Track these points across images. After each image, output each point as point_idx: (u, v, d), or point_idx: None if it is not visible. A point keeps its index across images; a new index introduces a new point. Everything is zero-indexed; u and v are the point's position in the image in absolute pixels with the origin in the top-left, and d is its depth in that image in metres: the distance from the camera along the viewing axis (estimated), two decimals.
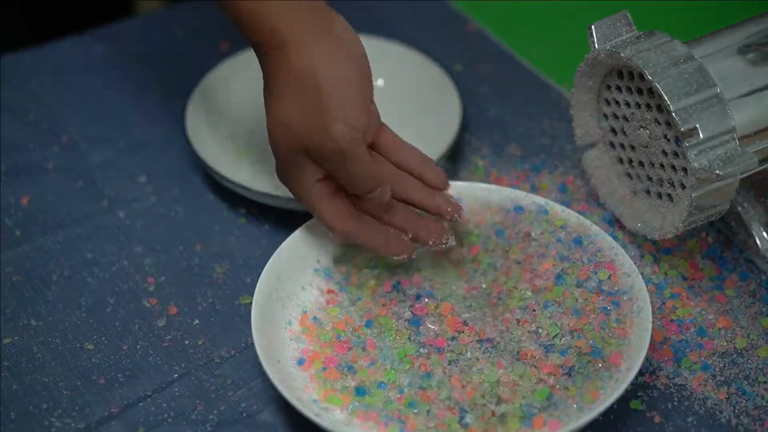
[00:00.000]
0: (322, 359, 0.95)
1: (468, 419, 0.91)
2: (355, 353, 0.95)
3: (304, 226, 1.00)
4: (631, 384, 0.93)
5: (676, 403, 0.94)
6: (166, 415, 0.94)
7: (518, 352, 0.95)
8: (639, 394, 0.95)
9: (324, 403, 0.92)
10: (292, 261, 0.99)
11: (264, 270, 0.97)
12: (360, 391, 0.93)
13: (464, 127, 1.13)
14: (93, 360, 0.98)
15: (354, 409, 0.92)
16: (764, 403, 0.93)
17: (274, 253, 0.98)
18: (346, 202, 0.96)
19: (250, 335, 0.93)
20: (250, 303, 0.96)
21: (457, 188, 1.01)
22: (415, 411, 0.92)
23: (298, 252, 0.99)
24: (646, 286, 0.95)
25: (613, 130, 1.03)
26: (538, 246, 1.00)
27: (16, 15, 1.54)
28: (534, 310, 0.97)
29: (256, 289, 0.96)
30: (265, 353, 0.92)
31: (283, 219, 1.07)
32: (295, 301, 0.98)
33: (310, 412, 0.89)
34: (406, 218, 0.98)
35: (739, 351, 0.97)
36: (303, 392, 0.92)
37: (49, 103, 1.19)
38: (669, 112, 0.93)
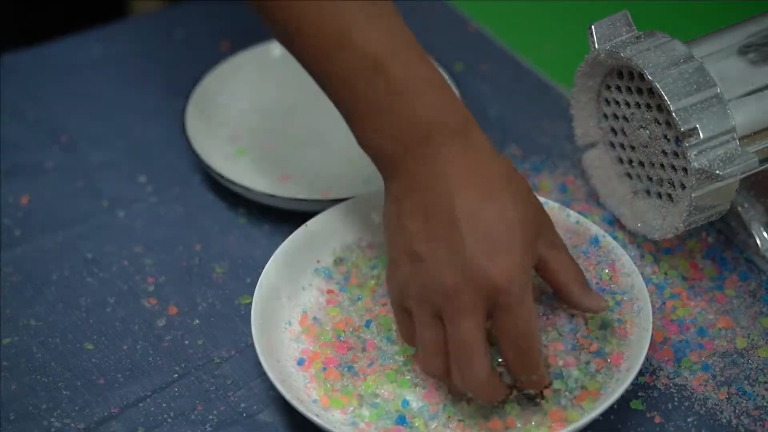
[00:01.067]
0: (322, 359, 0.95)
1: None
2: (355, 353, 0.95)
3: (303, 226, 1.00)
4: (632, 384, 0.93)
5: (676, 404, 0.94)
6: (166, 415, 0.94)
7: None
8: (639, 394, 0.95)
9: (324, 404, 0.92)
10: (292, 261, 0.99)
11: (264, 270, 0.97)
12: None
13: None
14: (93, 360, 0.98)
15: (354, 409, 0.92)
16: (765, 404, 0.93)
17: (274, 253, 0.98)
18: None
19: (250, 335, 0.93)
20: (250, 303, 0.96)
21: None
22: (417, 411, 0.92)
23: (298, 252, 0.99)
24: (647, 286, 0.95)
25: (613, 130, 1.03)
26: None
27: (11, 15, 1.54)
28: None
29: (256, 289, 0.96)
30: (265, 353, 0.92)
31: (283, 219, 1.07)
32: (295, 301, 0.98)
33: (310, 412, 0.89)
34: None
35: (740, 351, 0.97)
36: (303, 392, 0.92)
37: (49, 103, 1.19)
38: (669, 112, 0.93)
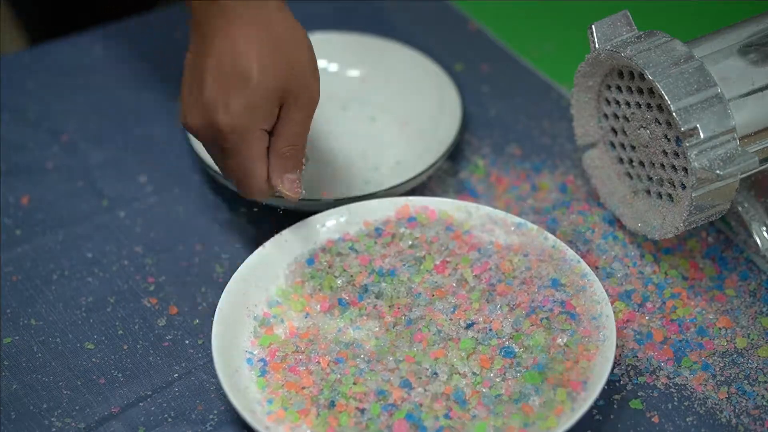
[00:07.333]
0: (284, 370, 0.94)
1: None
2: (320, 365, 0.94)
3: (272, 239, 1.00)
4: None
5: (676, 403, 0.94)
6: (166, 415, 0.94)
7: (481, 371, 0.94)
8: (639, 393, 0.95)
9: (282, 415, 0.91)
10: (261, 269, 0.98)
11: (232, 278, 0.97)
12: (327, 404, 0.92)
13: (464, 127, 1.13)
14: (93, 360, 0.98)
15: (316, 420, 0.91)
16: (764, 403, 0.93)
17: (243, 263, 0.98)
18: None
19: None
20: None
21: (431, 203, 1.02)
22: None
23: (266, 260, 0.99)
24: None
25: (614, 130, 1.03)
26: (510, 268, 0.99)
27: (12, 15, 1.54)
28: (501, 333, 0.95)
29: (222, 296, 0.96)
30: (224, 362, 0.91)
31: (283, 219, 1.07)
32: (261, 309, 0.97)
33: (260, 425, 0.88)
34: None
35: (740, 351, 0.97)
36: (257, 404, 0.91)
37: (49, 103, 1.19)
38: (669, 112, 0.93)
